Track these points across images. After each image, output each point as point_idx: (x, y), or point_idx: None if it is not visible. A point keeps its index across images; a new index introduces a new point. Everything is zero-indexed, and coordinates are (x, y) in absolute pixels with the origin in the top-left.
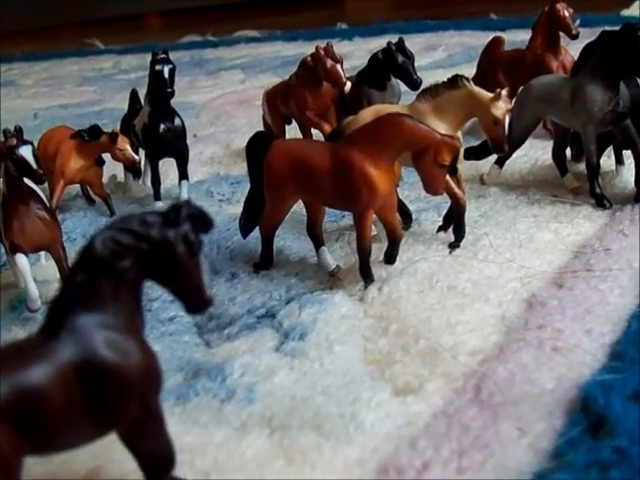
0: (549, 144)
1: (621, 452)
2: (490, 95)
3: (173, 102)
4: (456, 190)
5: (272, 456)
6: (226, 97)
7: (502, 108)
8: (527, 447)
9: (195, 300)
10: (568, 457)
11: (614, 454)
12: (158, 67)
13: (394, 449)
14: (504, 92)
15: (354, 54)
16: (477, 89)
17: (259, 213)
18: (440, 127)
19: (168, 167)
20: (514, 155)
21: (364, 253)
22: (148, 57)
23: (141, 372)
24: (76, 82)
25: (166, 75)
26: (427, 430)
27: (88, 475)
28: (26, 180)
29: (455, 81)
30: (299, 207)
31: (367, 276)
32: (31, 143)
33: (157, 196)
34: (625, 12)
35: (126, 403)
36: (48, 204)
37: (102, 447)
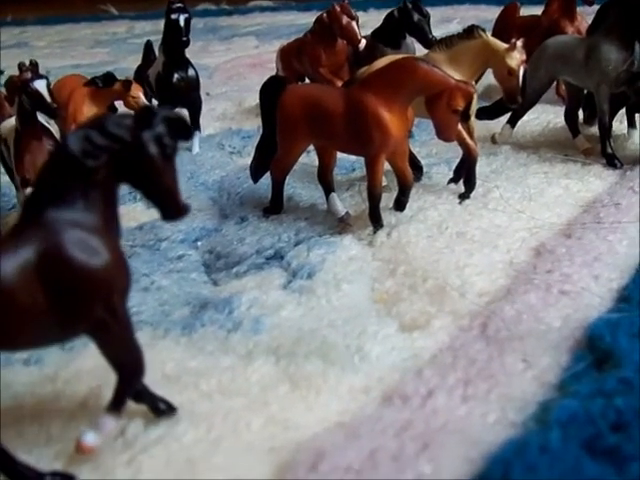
0: (561, 109)
1: (626, 382)
2: (505, 45)
3: None
4: (468, 140)
5: (277, 381)
6: (239, 60)
7: (517, 58)
8: (532, 379)
9: (169, 205)
10: (572, 388)
11: (619, 384)
12: (174, 16)
13: (399, 378)
14: (519, 43)
15: (368, 25)
16: (492, 39)
17: (271, 157)
18: (455, 76)
19: None
20: (525, 118)
21: (374, 198)
22: (162, 23)
23: (105, 272)
24: (89, 44)
25: (182, 24)
26: (433, 361)
27: (90, 393)
28: (40, 118)
29: (471, 31)
30: (310, 159)
31: (376, 221)
32: (46, 77)
33: None
34: None
35: (88, 302)
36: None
37: (105, 368)
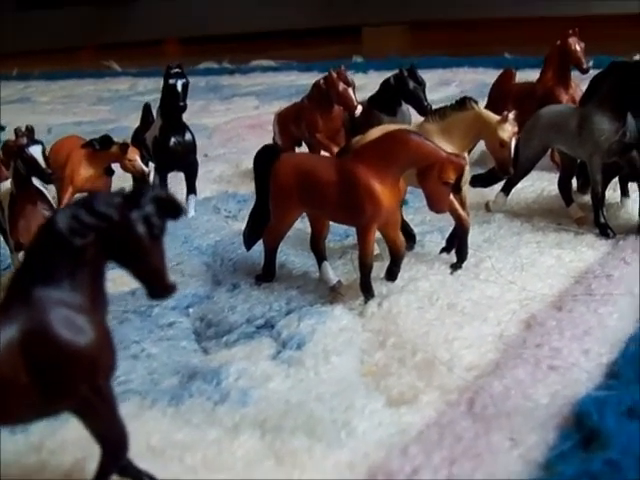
0: (555, 176)
1: (613, 464)
2: (497, 117)
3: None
4: (460, 211)
5: (262, 456)
6: (239, 121)
7: (509, 130)
8: (518, 458)
9: (156, 284)
10: (558, 468)
11: (606, 466)
12: (172, 81)
13: (385, 455)
14: (511, 115)
15: (368, 87)
16: (485, 111)
17: (264, 225)
18: (447, 148)
19: (176, 184)
20: (520, 185)
21: (366, 268)
22: None
23: (91, 351)
24: (91, 101)
25: (179, 89)
26: (419, 438)
27: (75, 465)
28: (34, 181)
29: (463, 103)
30: (303, 225)
31: (367, 291)
32: (41, 143)
33: None
34: (638, 56)
35: (72, 381)
36: (55, 207)
37: (90, 438)
